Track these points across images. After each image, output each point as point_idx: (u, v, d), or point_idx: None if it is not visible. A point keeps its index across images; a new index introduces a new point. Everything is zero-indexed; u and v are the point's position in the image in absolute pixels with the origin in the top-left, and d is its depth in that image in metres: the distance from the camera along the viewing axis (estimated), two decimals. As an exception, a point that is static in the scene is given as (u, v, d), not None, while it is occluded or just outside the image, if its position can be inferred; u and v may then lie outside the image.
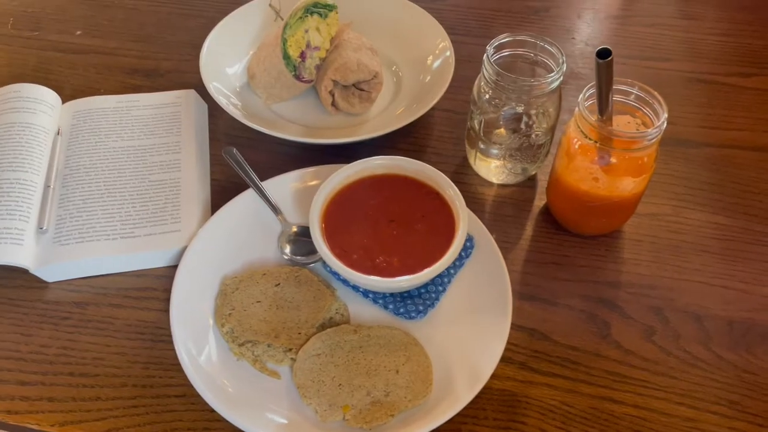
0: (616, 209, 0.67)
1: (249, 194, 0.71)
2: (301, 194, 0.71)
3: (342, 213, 0.65)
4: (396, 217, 0.65)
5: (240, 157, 0.73)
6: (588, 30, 0.98)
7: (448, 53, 0.83)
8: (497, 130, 0.71)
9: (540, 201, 0.75)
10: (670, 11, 1.01)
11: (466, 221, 0.63)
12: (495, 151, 0.73)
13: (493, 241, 0.67)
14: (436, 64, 0.83)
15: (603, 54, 0.54)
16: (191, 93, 0.83)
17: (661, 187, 0.76)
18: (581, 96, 0.63)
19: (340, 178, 0.67)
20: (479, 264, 0.66)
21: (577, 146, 0.65)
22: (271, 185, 0.71)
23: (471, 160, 0.77)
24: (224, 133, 0.81)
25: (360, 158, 0.68)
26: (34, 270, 0.65)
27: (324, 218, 0.64)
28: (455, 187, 0.65)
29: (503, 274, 0.64)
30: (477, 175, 0.77)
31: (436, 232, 0.64)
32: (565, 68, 0.66)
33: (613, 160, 0.64)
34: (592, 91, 0.63)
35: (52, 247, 0.66)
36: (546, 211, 0.74)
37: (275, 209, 0.70)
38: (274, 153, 0.79)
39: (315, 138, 0.77)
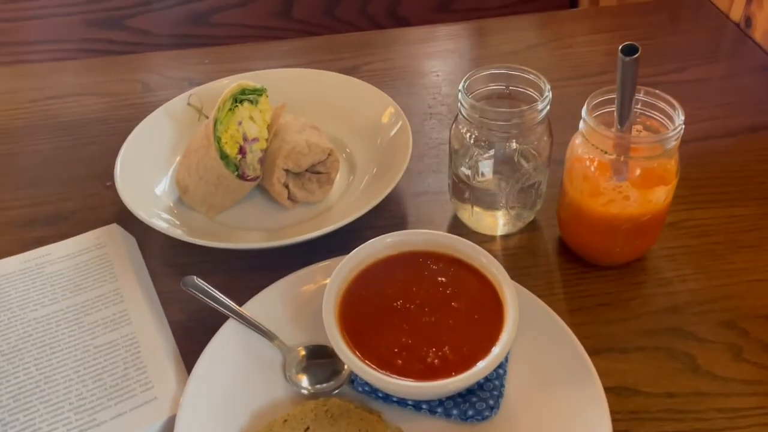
0: (649, 226, 0.60)
1: (230, 327, 0.56)
2: (295, 307, 0.58)
3: (362, 313, 0.53)
4: (426, 300, 0.53)
5: (205, 285, 0.59)
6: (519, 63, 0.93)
7: (393, 110, 0.75)
8: (492, 176, 0.63)
9: (551, 241, 0.67)
10: (578, 30, 1.00)
11: (510, 283, 0.53)
12: (497, 199, 0.64)
13: (537, 298, 0.57)
14: (389, 127, 0.74)
15: (628, 50, 0.47)
16: (113, 228, 0.68)
17: (664, 194, 0.70)
18: (585, 108, 0.56)
19: (345, 272, 0.54)
20: (531, 328, 0.55)
21: (593, 167, 0.58)
22: (253, 308, 0.57)
23: (465, 217, 0.67)
24: (165, 264, 0.66)
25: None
26: None
27: (343, 326, 0.51)
28: (479, 248, 0.55)
29: (564, 331, 0.54)
30: (475, 231, 0.68)
31: (479, 307, 0.53)
32: (550, 94, 0.59)
33: (638, 171, 0.57)
34: (598, 100, 0.56)
35: (-14, 474, 0.48)
36: (564, 250, 0.65)
37: (269, 335, 0.56)
38: (237, 270, 0.65)
39: (281, 239, 0.64)
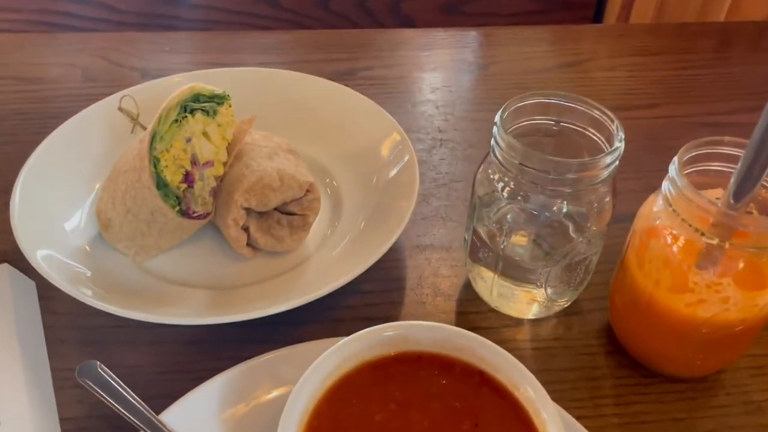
0: (744, 335, 0.43)
1: (141, 444, 0.39)
2: (238, 419, 0.40)
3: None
4: (432, 438, 0.36)
5: (109, 377, 0.41)
6: (546, 83, 0.76)
7: (398, 137, 0.57)
8: (528, 243, 0.46)
9: (597, 332, 0.50)
10: (622, 49, 0.83)
11: (554, 413, 0.35)
12: (532, 273, 0.46)
13: (579, 424, 0.40)
14: (391, 160, 0.56)
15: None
16: (3, 270, 0.49)
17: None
18: (676, 164, 0.39)
19: (316, 381, 0.37)
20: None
21: (676, 248, 0.41)
22: (177, 418, 0.40)
23: (483, 290, 0.50)
24: (71, 326, 0.49)
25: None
26: None
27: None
28: (511, 356, 0.38)
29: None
30: (496, 312, 0.50)
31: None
32: (623, 144, 0.42)
33: (740, 264, 0.40)
34: (692, 154, 0.40)
35: None
36: (616, 348, 0.48)
37: (196, 463, 0.38)
38: (165, 346, 0.48)
39: (230, 313, 0.45)
